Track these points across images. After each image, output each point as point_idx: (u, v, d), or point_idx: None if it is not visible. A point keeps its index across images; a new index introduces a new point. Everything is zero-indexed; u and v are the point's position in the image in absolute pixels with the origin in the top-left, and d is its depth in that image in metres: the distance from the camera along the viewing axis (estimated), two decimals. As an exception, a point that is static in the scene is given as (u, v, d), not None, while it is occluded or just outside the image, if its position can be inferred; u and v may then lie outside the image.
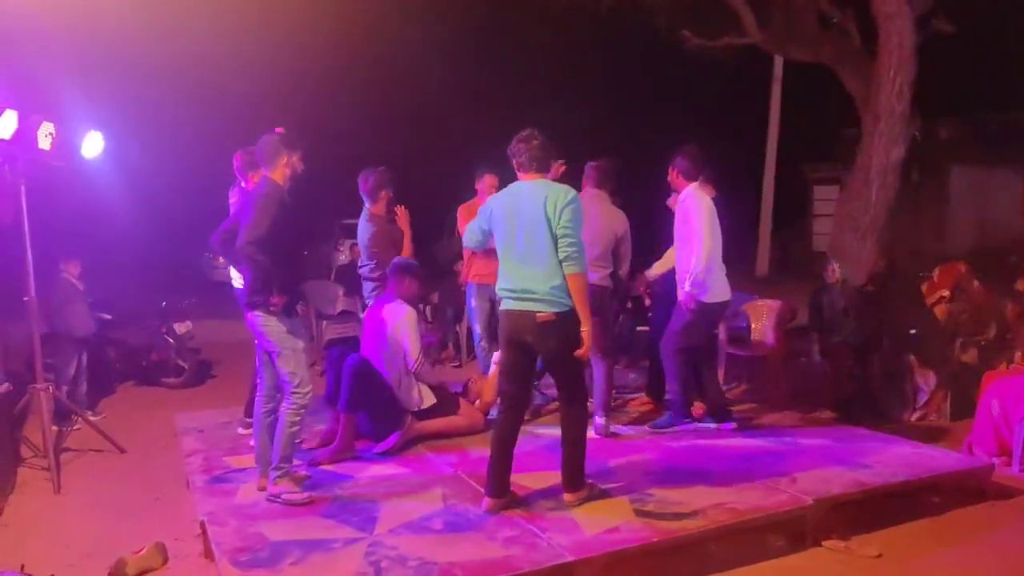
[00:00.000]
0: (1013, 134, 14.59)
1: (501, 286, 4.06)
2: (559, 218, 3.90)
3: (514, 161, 4.13)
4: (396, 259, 5.29)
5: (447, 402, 5.30)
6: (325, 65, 14.94)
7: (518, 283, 3.95)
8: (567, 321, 3.92)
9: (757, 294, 7.73)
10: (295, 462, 4.61)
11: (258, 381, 4.42)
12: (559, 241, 3.91)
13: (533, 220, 3.94)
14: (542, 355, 4.09)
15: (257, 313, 4.10)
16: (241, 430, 5.38)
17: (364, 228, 5.75)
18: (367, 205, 5.76)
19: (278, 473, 4.18)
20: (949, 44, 9.60)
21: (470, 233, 4.28)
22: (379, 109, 16.96)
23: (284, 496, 4.14)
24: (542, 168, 4.12)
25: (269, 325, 4.10)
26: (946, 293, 6.55)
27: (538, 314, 3.90)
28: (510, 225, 4.01)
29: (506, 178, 4.69)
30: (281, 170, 4.16)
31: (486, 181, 6.04)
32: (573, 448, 4.13)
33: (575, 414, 4.15)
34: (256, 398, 4.40)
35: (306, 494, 4.20)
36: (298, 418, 4.18)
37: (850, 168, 9.43)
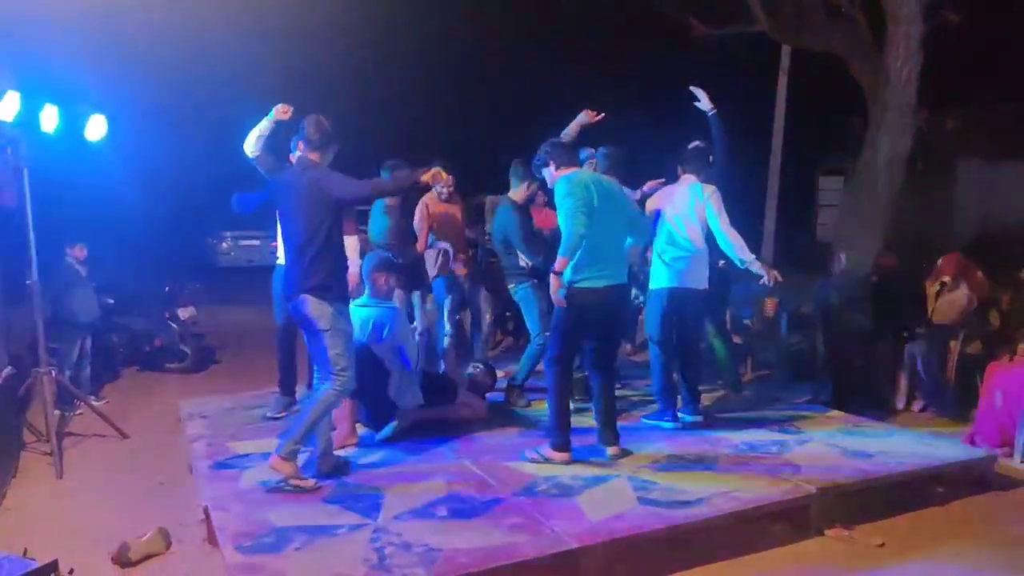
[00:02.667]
0: (1021, 126, 14.49)
1: (585, 265, 4.36)
2: (631, 204, 4.66)
3: (556, 159, 4.59)
4: (367, 256, 5.19)
5: (448, 391, 5.29)
6: (332, 51, 14.89)
7: (604, 262, 4.41)
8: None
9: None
10: (307, 448, 4.62)
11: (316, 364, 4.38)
12: (634, 222, 4.62)
13: (619, 205, 4.54)
14: (614, 326, 4.65)
15: (310, 297, 4.10)
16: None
17: (377, 221, 5.75)
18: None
19: (292, 447, 4.13)
20: (957, 35, 9.53)
21: (581, 227, 4.33)
22: (388, 97, 16.90)
23: (292, 482, 4.13)
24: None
25: (321, 308, 4.09)
26: (947, 279, 6.52)
27: (621, 285, 4.54)
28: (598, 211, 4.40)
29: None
30: (327, 160, 4.25)
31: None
32: (613, 409, 4.75)
33: (613, 382, 4.80)
34: (316, 380, 4.37)
35: (313, 481, 4.20)
36: (336, 400, 4.22)
37: (856, 159, 9.39)
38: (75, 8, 7.79)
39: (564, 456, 4.48)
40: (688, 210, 5.20)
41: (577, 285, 4.38)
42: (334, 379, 4.15)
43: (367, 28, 15.15)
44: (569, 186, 4.39)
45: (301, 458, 4.53)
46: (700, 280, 5.24)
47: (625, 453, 4.65)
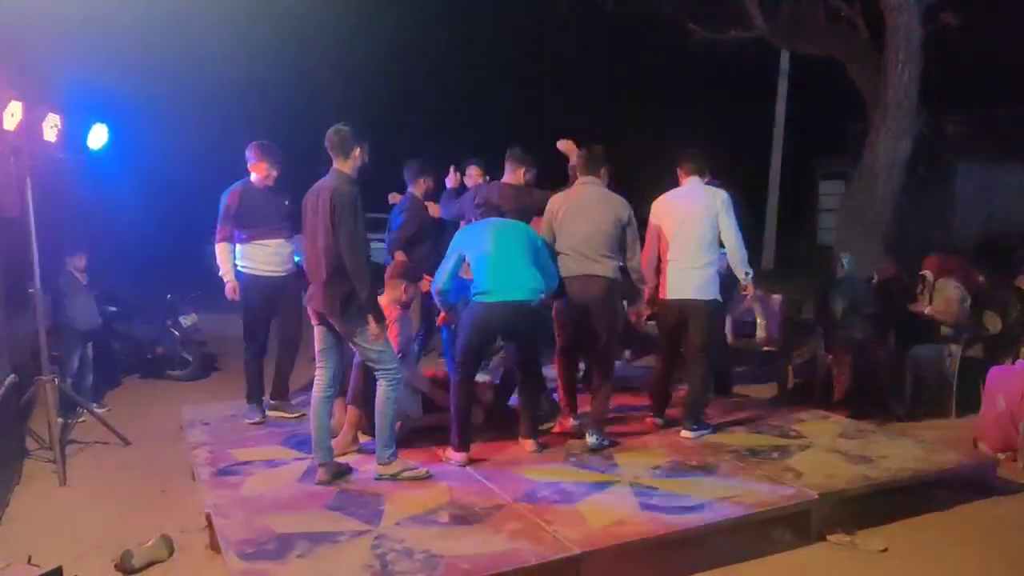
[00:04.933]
0: (1021, 128, 14.51)
1: (481, 283, 4.63)
2: (534, 247, 4.83)
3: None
4: (395, 262, 5.27)
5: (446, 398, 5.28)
6: (334, 60, 14.92)
7: (499, 282, 4.60)
8: None
9: (762, 289, 7.71)
10: (307, 456, 4.63)
11: (318, 367, 4.42)
12: (540, 265, 4.78)
13: (516, 241, 4.77)
14: (518, 336, 4.78)
15: (332, 313, 4.20)
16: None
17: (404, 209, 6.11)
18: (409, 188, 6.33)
19: (386, 452, 4.34)
20: (957, 38, 9.55)
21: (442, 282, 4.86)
22: (389, 102, 16.89)
23: (405, 474, 4.34)
24: None
25: (345, 320, 4.21)
26: (927, 273, 6.53)
27: (515, 302, 4.61)
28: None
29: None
30: (353, 162, 4.30)
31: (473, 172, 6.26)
32: (531, 408, 4.91)
33: (533, 384, 4.97)
34: (315, 384, 4.41)
35: (425, 469, 4.41)
36: (395, 395, 4.33)
37: (857, 163, 9.41)
38: (77, 18, 7.82)
39: (461, 456, 4.60)
40: (694, 215, 5.10)
41: (474, 299, 4.66)
42: (381, 379, 4.31)
43: (370, 36, 15.20)
44: None
45: (302, 466, 4.56)
46: (691, 290, 5.11)
47: (542, 447, 4.83)
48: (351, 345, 4.37)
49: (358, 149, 4.29)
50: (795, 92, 16.83)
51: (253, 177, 5.50)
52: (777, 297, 7.46)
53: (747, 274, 5.18)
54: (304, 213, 4.35)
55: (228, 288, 5.45)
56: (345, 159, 4.28)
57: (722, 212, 5.10)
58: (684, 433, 5.15)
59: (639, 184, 5.65)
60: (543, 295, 4.74)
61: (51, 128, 5.20)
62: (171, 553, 3.98)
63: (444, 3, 15.50)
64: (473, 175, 6.22)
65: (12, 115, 4.85)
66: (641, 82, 16.63)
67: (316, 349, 4.42)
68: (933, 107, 9.51)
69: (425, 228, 6.22)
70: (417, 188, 6.30)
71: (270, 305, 5.60)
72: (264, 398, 5.71)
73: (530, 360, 4.92)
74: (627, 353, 7.72)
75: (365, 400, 4.76)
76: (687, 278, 5.09)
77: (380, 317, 4.24)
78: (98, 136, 5.71)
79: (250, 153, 5.47)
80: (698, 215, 5.10)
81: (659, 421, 5.39)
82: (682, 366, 5.49)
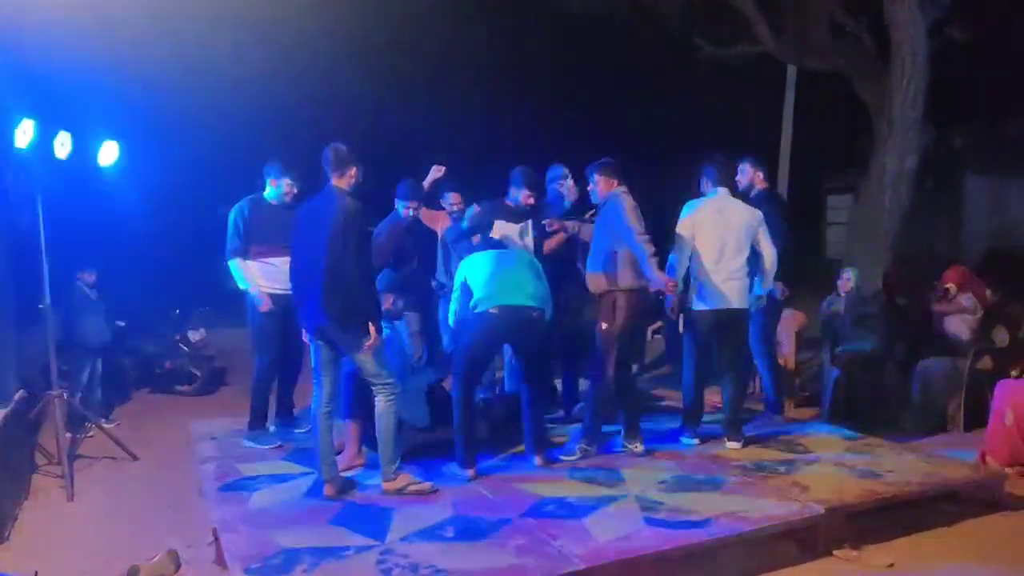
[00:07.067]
0: (1029, 142, 14.47)
1: (482, 295, 4.65)
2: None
3: None
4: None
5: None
6: (350, 77, 15.00)
7: (498, 291, 4.62)
8: None
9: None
10: (311, 470, 4.63)
11: (315, 382, 4.42)
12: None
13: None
14: (522, 344, 4.78)
15: (332, 325, 4.21)
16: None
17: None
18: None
19: (390, 468, 4.34)
20: (964, 51, 9.56)
21: None
22: (393, 119, 16.97)
23: (411, 489, 4.33)
24: None
25: (344, 333, 4.23)
26: (951, 286, 6.52)
27: (516, 307, 4.64)
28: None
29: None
30: (348, 179, 4.36)
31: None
32: (539, 422, 4.88)
33: (539, 397, 4.88)
34: (314, 399, 4.41)
35: (430, 484, 4.40)
36: (392, 409, 4.33)
37: (864, 177, 9.41)
38: (89, 37, 7.92)
39: (469, 472, 4.61)
40: (725, 227, 5.10)
41: (474, 310, 4.68)
42: (379, 393, 4.31)
43: (383, 53, 15.31)
44: None
45: (308, 481, 4.57)
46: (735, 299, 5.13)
47: (549, 462, 4.83)
48: (350, 359, 4.36)
49: (353, 168, 4.35)
50: (802, 106, 16.82)
51: (268, 192, 5.41)
52: (785, 311, 7.41)
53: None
54: (297, 229, 4.39)
55: (263, 303, 5.26)
56: (341, 176, 4.34)
57: (761, 228, 5.15)
58: (730, 444, 5.19)
59: (639, 198, 5.63)
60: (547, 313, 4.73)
61: (62, 146, 5.27)
62: (178, 568, 4.00)
63: (451, 20, 15.60)
64: (453, 202, 5.90)
65: (24, 133, 4.92)
66: (647, 97, 16.66)
67: (313, 365, 4.42)
68: (940, 120, 9.51)
69: (406, 248, 5.88)
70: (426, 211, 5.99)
71: (279, 323, 5.46)
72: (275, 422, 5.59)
73: (538, 375, 4.90)
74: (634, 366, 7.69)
75: (365, 413, 4.76)
76: (730, 288, 5.10)
77: (380, 328, 4.28)
78: (109, 153, 5.78)
79: (271, 168, 5.35)
80: (737, 227, 5.12)
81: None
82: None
